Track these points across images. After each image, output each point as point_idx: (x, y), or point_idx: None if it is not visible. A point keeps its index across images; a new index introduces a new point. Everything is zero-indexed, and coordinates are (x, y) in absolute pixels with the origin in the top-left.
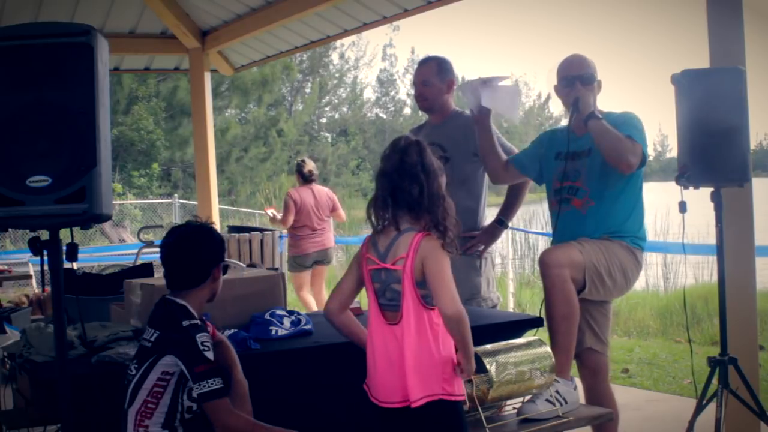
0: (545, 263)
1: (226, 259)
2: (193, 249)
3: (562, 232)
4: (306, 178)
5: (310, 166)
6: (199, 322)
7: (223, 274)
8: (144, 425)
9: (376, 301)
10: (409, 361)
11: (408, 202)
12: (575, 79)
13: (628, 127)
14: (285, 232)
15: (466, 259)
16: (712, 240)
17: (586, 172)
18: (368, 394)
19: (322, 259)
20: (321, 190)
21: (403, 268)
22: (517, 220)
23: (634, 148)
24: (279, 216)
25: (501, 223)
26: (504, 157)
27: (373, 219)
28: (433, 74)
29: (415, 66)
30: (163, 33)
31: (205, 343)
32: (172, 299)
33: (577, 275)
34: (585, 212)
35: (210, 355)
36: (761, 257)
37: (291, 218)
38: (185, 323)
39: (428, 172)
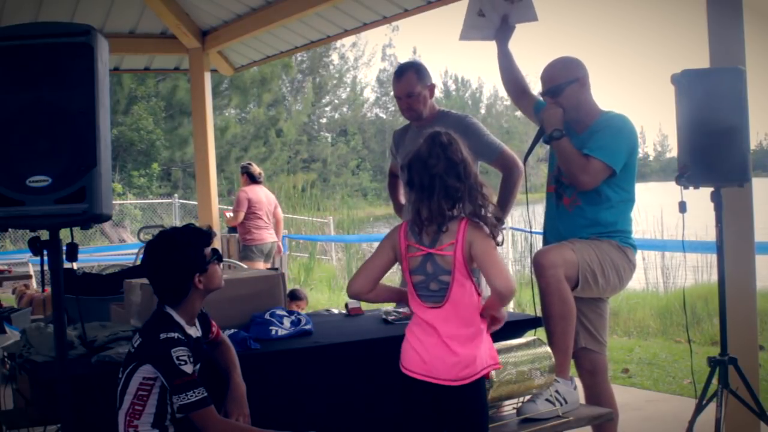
0: (540, 264)
1: (226, 259)
2: (156, 273)
3: (551, 227)
4: (255, 180)
5: (258, 169)
6: (176, 336)
7: (220, 262)
8: (134, 425)
9: (415, 291)
10: (452, 343)
11: (452, 195)
12: (545, 95)
13: (599, 137)
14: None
15: None
16: (711, 239)
17: None
18: (404, 371)
19: (270, 251)
20: (267, 191)
21: (453, 253)
22: (516, 220)
23: (586, 166)
24: (231, 214)
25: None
26: (523, 77)
27: (421, 219)
28: (415, 84)
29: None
30: (163, 33)
31: (181, 357)
32: (160, 308)
33: (570, 273)
34: (572, 211)
35: (187, 368)
36: (761, 255)
37: (242, 214)
38: (162, 336)
39: (467, 163)
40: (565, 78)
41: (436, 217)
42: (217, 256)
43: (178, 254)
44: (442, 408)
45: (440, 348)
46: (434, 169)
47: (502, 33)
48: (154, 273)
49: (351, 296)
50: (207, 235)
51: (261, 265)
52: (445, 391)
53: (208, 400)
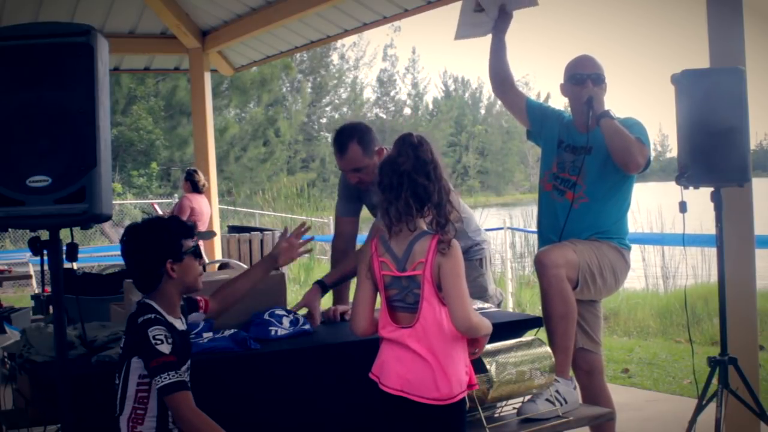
0: (542, 263)
1: (226, 259)
2: (130, 255)
3: (552, 224)
4: (199, 190)
5: (203, 179)
6: (153, 315)
7: (197, 258)
8: (138, 431)
9: (389, 304)
10: (428, 360)
11: (421, 195)
12: (587, 78)
13: (636, 129)
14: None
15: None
16: (710, 232)
17: (585, 169)
18: (378, 383)
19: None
20: (208, 203)
21: (422, 272)
22: (516, 219)
23: (642, 149)
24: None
25: (322, 285)
26: (511, 71)
27: (389, 217)
28: (360, 158)
29: (415, 67)
30: (163, 33)
31: (157, 337)
32: (140, 300)
33: (571, 274)
34: (578, 207)
35: (163, 348)
36: (760, 249)
37: None
38: (140, 320)
39: (437, 165)
40: (602, 73)
41: (404, 216)
42: (196, 251)
43: (152, 236)
44: (422, 426)
45: (417, 364)
46: (403, 166)
47: (500, 23)
48: (129, 254)
49: (361, 336)
50: (188, 227)
51: None
52: (425, 408)
53: (185, 384)
